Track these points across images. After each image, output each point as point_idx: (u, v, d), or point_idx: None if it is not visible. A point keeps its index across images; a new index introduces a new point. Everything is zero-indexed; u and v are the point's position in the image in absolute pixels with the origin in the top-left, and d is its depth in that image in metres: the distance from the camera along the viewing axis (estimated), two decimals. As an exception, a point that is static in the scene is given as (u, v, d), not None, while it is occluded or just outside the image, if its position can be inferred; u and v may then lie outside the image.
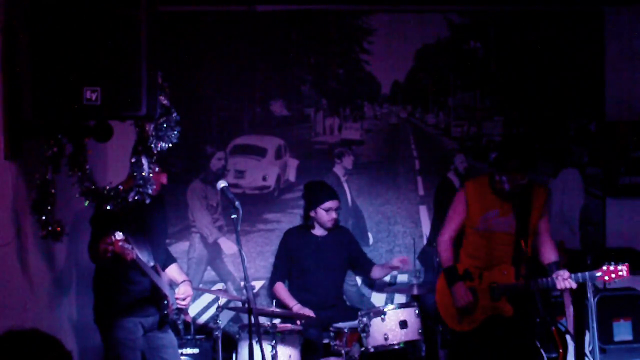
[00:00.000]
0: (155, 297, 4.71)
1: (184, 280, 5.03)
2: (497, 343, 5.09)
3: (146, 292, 4.67)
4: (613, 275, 4.99)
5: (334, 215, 5.83)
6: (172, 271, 5.06)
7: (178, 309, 4.89)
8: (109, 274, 4.66)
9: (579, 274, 5.02)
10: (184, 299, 4.88)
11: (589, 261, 6.50)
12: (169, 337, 4.92)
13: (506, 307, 5.05)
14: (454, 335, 5.31)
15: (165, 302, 4.75)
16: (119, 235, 4.24)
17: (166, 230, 5.14)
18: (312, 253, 5.87)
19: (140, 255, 4.44)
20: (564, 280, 4.99)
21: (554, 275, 5.03)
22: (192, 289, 4.99)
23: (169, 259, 5.11)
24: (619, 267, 4.99)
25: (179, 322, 4.94)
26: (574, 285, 5.04)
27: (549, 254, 5.20)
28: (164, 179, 4.79)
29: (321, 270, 5.86)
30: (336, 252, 5.93)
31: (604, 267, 4.99)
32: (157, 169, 4.48)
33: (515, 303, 5.07)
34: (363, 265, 6.06)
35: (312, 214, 5.88)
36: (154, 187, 4.43)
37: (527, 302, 5.03)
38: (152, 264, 4.62)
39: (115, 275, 4.65)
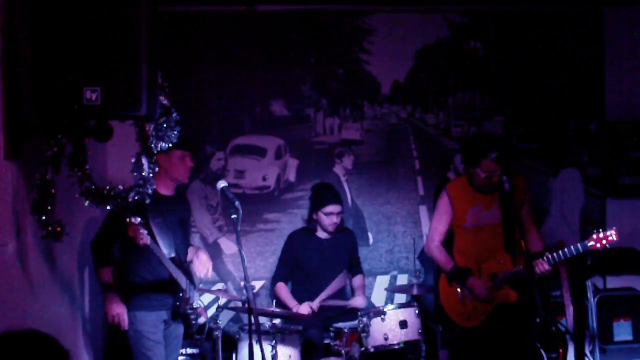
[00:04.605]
0: (173, 289, 4.79)
1: (199, 249, 5.16)
2: (507, 330, 5.16)
3: (165, 284, 4.76)
4: (604, 242, 4.94)
5: (334, 219, 5.79)
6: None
7: (193, 308, 4.94)
8: (129, 267, 4.81)
9: (566, 249, 4.97)
10: (202, 266, 4.96)
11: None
12: (178, 330, 4.98)
13: (510, 293, 5.12)
14: (465, 331, 5.33)
15: (181, 294, 4.80)
16: (135, 220, 4.38)
17: (188, 230, 5.21)
18: (316, 255, 5.86)
19: (161, 245, 4.60)
20: (540, 264, 5.02)
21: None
22: (209, 257, 5.07)
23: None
24: (608, 232, 4.96)
25: (193, 322, 4.97)
26: (547, 267, 5.02)
27: (534, 243, 5.25)
28: (189, 162, 4.86)
29: (324, 272, 5.83)
30: (339, 254, 5.90)
31: (594, 236, 4.97)
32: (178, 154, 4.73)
33: (517, 288, 5.14)
34: (349, 269, 6.03)
35: (315, 216, 5.86)
36: (184, 179, 4.86)
37: (527, 286, 5.10)
38: (172, 255, 4.71)
39: (136, 269, 4.79)
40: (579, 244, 4.98)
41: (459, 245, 5.31)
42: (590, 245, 4.96)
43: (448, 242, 5.35)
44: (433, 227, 5.39)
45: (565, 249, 4.98)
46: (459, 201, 5.23)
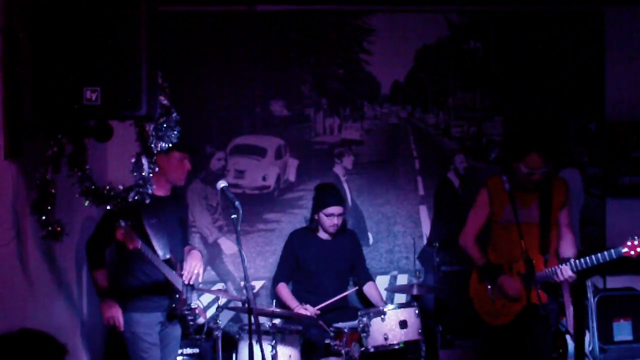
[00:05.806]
0: (169, 290, 4.78)
1: (192, 249, 5.06)
2: (534, 331, 5.12)
3: (160, 286, 4.75)
4: (639, 249, 4.83)
5: (335, 221, 5.79)
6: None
7: (191, 309, 4.93)
8: (125, 269, 4.81)
9: (599, 254, 4.88)
10: (188, 272, 4.87)
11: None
12: (175, 331, 4.97)
13: (540, 294, 5.06)
14: (493, 329, 5.34)
15: (177, 295, 4.79)
16: (123, 223, 4.34)
17: (186, 229, 5.19)
18: (317, 255, 5.86)
19: (156, 247, 4.57)
20: (563, 272, 4.99)
21: (556, 267, 5.04)
22: (200, 260, 4.96)
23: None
24: None
25: (191, 322, 4.96)
26: (573, 275, 5.01)
27: (567, 249, 5.25)
28: (187, 164, 4.86)
29: (325, 272, 5.84)
30: (340, 255, 5.90)
31: (628, 242, 4.86)
32: (177, 155, 4.76)
33: (547, 290, 5.13)
34: (357, 275, 6.03)
35: (316, 217, 5.86)
36: (181, 181, 4.86)
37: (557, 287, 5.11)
38: (167, 256, 4.69)
39: (131, 270, 4.79)
40: (612, 250, 4.87)
41: (494, 242, 5.35)
42: (624, 252, 4.84)
43: (482, 239, 5.38)
44: (470, 220, 5.42)
45: (599, 254, 4.88)
46: (498, 196, 5.22)
